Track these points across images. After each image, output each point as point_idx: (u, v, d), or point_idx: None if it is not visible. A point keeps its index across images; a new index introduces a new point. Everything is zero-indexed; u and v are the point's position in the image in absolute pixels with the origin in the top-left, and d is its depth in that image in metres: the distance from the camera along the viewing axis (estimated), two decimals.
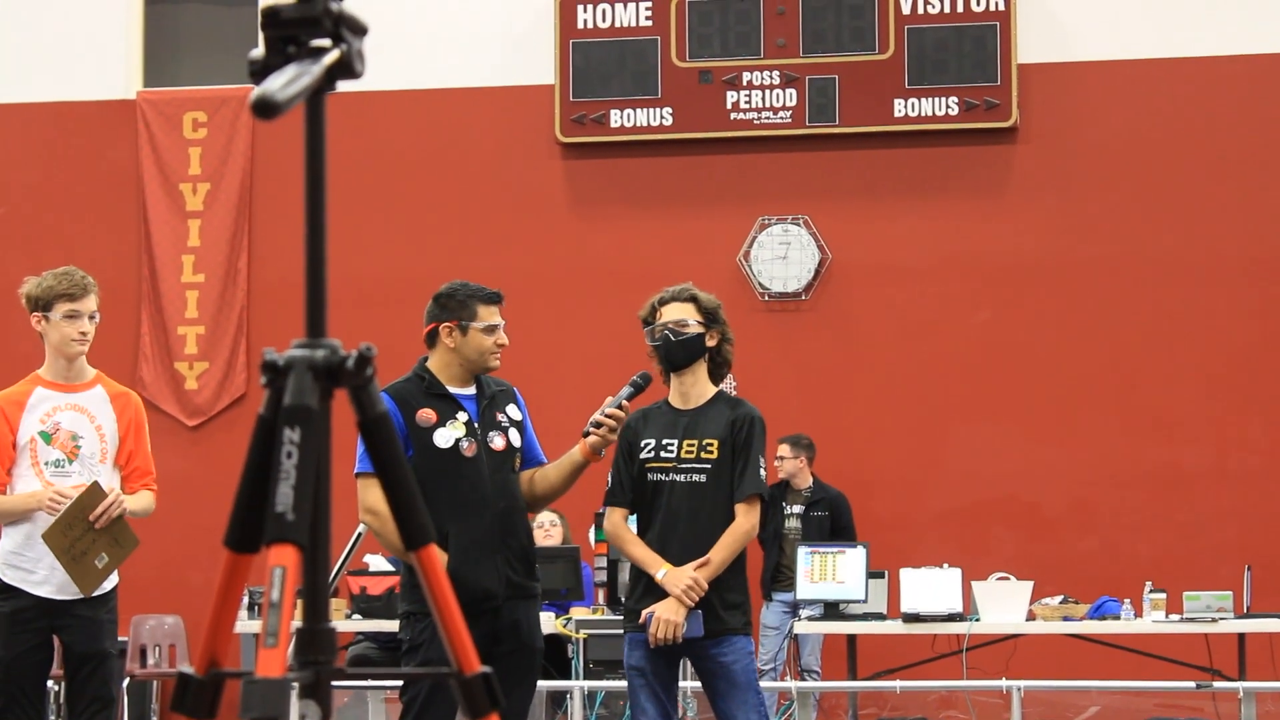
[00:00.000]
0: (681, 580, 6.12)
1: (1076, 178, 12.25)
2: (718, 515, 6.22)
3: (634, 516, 6.40)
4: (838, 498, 11.53)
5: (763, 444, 6.33)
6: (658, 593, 6.17)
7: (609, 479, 6.38)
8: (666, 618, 6.11)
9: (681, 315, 6.28)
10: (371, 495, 5.79)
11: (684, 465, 6.24)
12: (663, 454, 6.27)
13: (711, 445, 6.24)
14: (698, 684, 7.23)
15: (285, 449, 2.43)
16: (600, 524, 9.46)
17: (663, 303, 6.33)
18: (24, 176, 13.10)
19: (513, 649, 5.92)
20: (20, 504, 6.38)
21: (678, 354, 6.27)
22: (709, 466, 6.23)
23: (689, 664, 6.55)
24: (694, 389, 6.32)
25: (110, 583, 6.44)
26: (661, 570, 6.16)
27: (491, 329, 6.05)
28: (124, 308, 12.29)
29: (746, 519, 6.24)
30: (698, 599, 6.12)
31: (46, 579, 6.35)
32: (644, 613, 6.16)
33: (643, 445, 6.29)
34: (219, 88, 12.99)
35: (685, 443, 6.26)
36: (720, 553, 6.18)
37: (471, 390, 6.09)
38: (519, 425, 6.13)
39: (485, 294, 6.09)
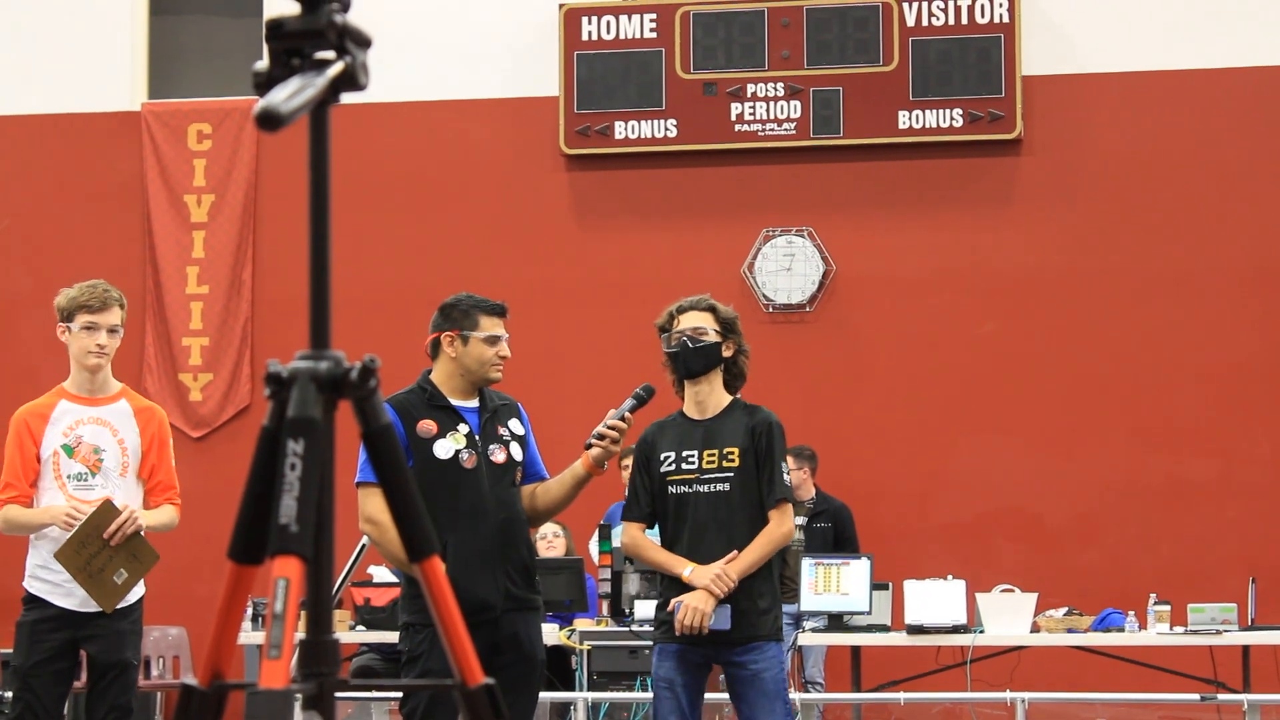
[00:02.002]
0: (709, 572, 6.10)
1: (1081, 189, 12.24)
2: (745, 523, 6.20)
3: (654, 530, 6.38)
4: (841, 509, 11.50)
5: (784, 448, 6.30)
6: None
7: (626, 494, 6.37)
8: (695, 605, 6.07)
9: (700, 323, 6.28)
10: (372, 505, 5.79)
11: (706, 476, 6.23)
12: (684, 466, 6.25)
13: (733, 453, 6.22)
14: (720, 695, 7.21)
15: (289, 461, 2.43)
16: (604, 535, 9.46)
17: (681, 311, 6.34)
18: (29, 188, 13.11)
19: (513, 660, 5.91)
20: (39, 518, 6.45)
21: (695, 361, 6.25)
22: (731, 475, 6.21)
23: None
24: (710, 398, 6.31)
25: (135, 594, 6.47)
26: (688, 568, 6.13)
27: (494, 340, 6.05)
28: (129, 319, 12.22)
29: (781, 523, 6.22)
30: (726, 591, 6.10)
31: (72, 591, 6.39)
32: (672, 601, 6.13)
33: (661, 458, 6.27)
34: (223, 99, 13.00)
35: (705, 453, 6.24)
36: (753, 552, 6.16)
37: (474, 403, 6.09)
38: (521, 440, 6.13)
39: (489, 305, 6.10)
